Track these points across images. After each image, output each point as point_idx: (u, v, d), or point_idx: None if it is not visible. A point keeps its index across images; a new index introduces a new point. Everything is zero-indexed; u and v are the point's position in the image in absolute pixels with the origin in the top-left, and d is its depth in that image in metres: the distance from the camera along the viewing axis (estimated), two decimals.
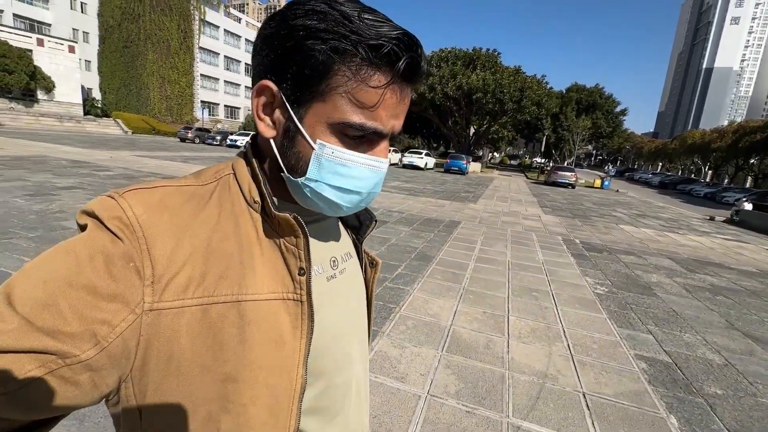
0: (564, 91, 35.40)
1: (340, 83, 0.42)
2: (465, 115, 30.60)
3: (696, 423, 2.28)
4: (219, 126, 42.22)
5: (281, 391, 0.44)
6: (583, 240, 7.56)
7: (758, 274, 6.33)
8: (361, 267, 0.64)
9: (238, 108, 51.82)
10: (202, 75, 45.10)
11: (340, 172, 0.45)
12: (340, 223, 0.62)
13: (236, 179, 0.48)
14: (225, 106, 50.52)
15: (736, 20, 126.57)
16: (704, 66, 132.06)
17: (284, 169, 0.47)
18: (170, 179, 0.46)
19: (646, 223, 11.06)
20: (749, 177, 39.80)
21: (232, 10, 51.48)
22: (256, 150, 0.50)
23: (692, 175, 51.20)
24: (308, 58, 0.41)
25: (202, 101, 44.15)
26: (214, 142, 29.48)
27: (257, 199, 0.46)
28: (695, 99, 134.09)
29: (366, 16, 0.41)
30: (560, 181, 23.00)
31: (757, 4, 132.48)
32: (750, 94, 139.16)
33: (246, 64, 52.59)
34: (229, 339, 0.41)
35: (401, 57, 0.41)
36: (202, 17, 42.29)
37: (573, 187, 23.31)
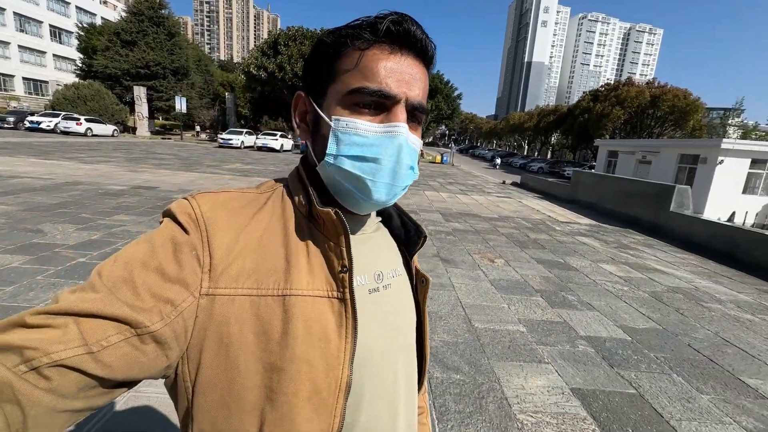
0: None
1: (344, 63, 0.48)
2: None
3: None
4: (15, 105, 33.10)
5: (325, 387, 0.45)
6: None
7: (490, 219, 8.55)
8: (412, 286, 0.63)
9: (45, 82, 41.27)
10: None
11: (356, 142, 0.47)
12: (392, 240, 0.63)
13: (288, 189, 0.54)
14: (24, 78, 39.60)
15: (544, 23, 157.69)
16: (526, 60, 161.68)
17: (317, 162, 0.52)
18: (237, 188, 0.54)
19: (448, 189, 13.49)
20: (548, 150, 51.17)
21: None
22: (307, 165, 0.56)
23: (515, 151, 63.14)
24: (321, 53, 0.50)
25: None
26: (4, 125, 23.20)
27: (304, 202, 0.51)
28: (521, 87, 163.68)
29: (390, 15, 0.48)
30: None
31: (558, 12, 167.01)
32: (557, 84, 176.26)
33: (51, 26, 41.85)
34: (274, 331, 0.44)
35: (384, 22, 0.47)
36: None
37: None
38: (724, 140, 17.00)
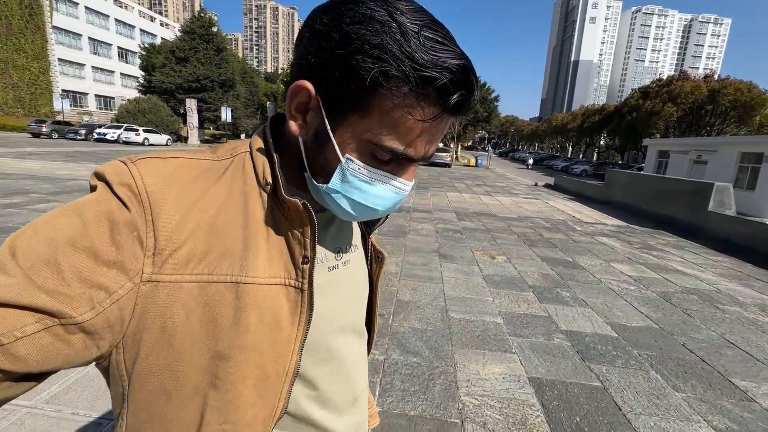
0: None
1: (382, 105, 0.39)
2: None
3: None
4: (87, 119, 37.16)
5: (272, 374, 0.44)
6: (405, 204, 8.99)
7: (507, 218, 8.33)
8: (367, 260, 0.62)
9: (112, 98, 45.97)
10: (60, 60, 39.01)
11: (362, 189, 0.44)
12: None
13: (251, 157, 0.47)
14: (96, 95, 44.42)
15: (593, 20, 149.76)
16: (572, 59, 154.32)
17: (307, 170, 0.47)
18: (187, 152, 0.46)
19: (473, 190, 13.25)
20: (594, 152, 48.35)
21: None
22: (277, 133, 0.49)
23: (557, 153, 60.30)
24: (354, 72, 0.38)
25: (63, 90, 38.22)
26: (77, 137, 26.05)
27: (269, 180, 0.45)
28: (567, 87, 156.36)
29: (426, 34, 0.38)
30: (437, 161, 25.47)
31: (608, 6, 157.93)
32: (607, 83, 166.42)
33: (119, 48, 46.69)
34: (224, 319, 0.41)
35: (452, 92, 0.38)
36: None
37: (449, 166, 26.00)
38: None
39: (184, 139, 33.53)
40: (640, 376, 2.60)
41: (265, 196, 0.45)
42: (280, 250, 0.45)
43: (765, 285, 4.89)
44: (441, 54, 0.37)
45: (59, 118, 30.32)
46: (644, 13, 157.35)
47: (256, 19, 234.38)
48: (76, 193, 7.36)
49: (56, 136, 25.84)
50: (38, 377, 0.37)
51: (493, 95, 39.72)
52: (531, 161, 37.63)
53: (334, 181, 0.44)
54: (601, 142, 46.37)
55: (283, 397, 0.46)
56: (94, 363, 0.41)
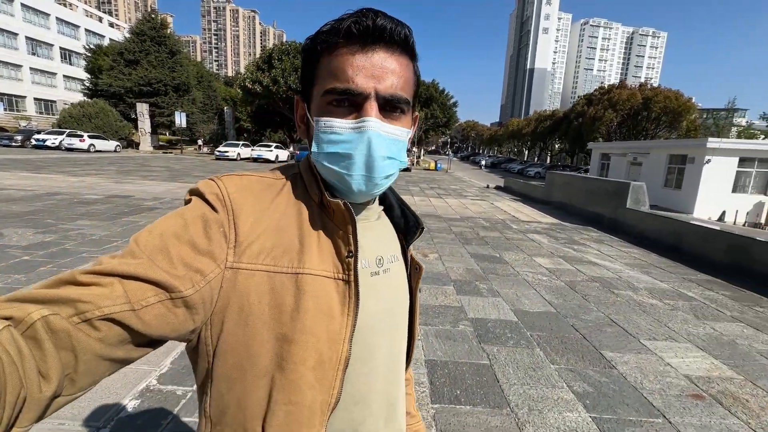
0: None
1: (321, 66, 0.52)
2: None
3: None
4: (24, 124, 34.45)
5: (327, 359, 0.50)
6: None
7: (449, 219, 8.77)
8: (407, 271, 0.67)
9: (54, 102, 42.91)
10: None
11: (332, 140, 0.52)
12: (392, 228, 0.67)
13: (301, 176, 0.58)
14: (35, 99, 41.20)
15: (546, 30, 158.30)
16: (528, 66, 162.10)
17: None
18: (256, 171, 0.58)
19: (425, 193, 13.77)
20: (548, 155, 51.13)
21: None
22: None
23: (514, 156, 63.15)
24: (304, 60, 0.55)
25: None
26: (12, 143, 24.16)
27: (317, 191, 0.56)
28: (524, 93, 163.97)
29: (354, 14, 0.50)
30: None
31: (559, 18, 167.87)
32: (561, 90, 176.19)
33: (61, 48, 43.71)
34: (287, 304, 0.49)
35: (348, 20, 0.49)
36: None
37: (408, 170, 26.58)
38: (710, 139, 16.98)
39: (136, 145, 31.95)
40: (525, 353, 2.94)
41: (314, 204, 0.56)
42: (329, 248, 0.53)
43: (661, 272, 5.53)
44: (346, 14, 0.51)
45: None
46: (591, 25, 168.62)
47: (215, 21, 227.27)
48: (2, 202, 6.95)
49: None
50: (153, 344, 0.45)
51: (452, 101, 41.02)
52: (484, 162, 41.46)
53: (314, 146, 0.54)
54: (556, 146, 49.16)
55: (337, 384, 0.52)
56: (185, 345, 0.52)
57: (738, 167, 17.20)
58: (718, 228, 6.22)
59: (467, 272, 4.82)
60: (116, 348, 0.41)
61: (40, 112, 41.61)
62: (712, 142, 16.71)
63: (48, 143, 23.88)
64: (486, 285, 4.40)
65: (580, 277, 4.99)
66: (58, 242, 4.86)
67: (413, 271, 0.68)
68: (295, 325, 0.48)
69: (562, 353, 2.97)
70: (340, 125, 0.51)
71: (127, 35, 34.25)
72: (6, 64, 37.84)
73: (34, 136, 24.50)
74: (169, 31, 35.12)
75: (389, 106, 0.52)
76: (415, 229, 0.67)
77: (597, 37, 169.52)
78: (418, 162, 35.82)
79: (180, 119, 29.94)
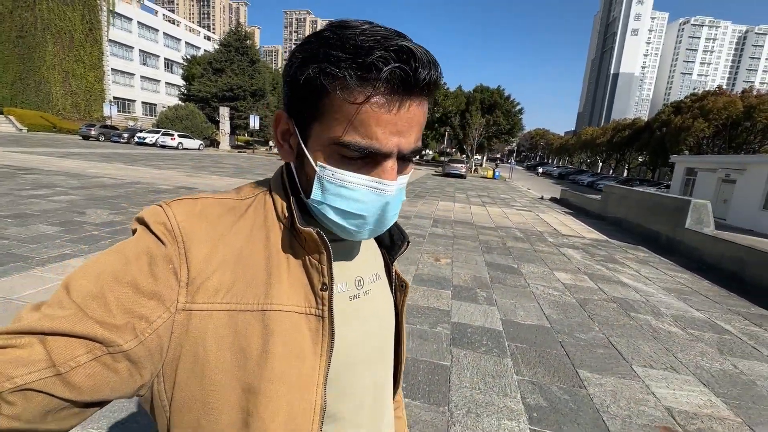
0: (471, 92, 38.91)
1: (332, 104, 0.42)
2: None
3: None
4: (132, 124, 40.40)
5: (300, 412, 0.45)
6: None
7: (483, 227, 8.54)
8: (391, 289, 0.62)
9: (156, 105, 49.72)
10: (114, 70, 42.84)
11: (342, 194, 0.45)
12: (374, 244, 0.62)
13: (271, 196, 0.51)
14: (143, 102, 48.26)
15: (635, 32, 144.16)
16: (612, 71, 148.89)
17: (302, 191, 0.50)
18: (215, 193, 0.51)
19: (469, 201, 13.47)
20: (625, 167, 46.43)
21: (147, 2, 49.12)
22: (290, 171, 0.52)
23: (586, 167, 58.33)
24: (304, 83, 0.43)
25: (114, 97, 41.96)
26: (121, 140, 28.57)
27: (287, 214, 0.49)
28: (605, 100, 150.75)
29: (364, 37, 0.40)
30: (452, 172, 25.69)
31: (653, 18, 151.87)
32: (651, 96, 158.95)
33: (165, 59, 50.62)
34: (252, 348, 0.42)
35: (383, 67, 0.40)
36: (111, 8, 40.17)
37: (464, 177, 26.10)
38: None
39: (217, 144, 35.71)
40: (492, 360, 2.91)
41: (285, 229, 0.49)
42: (300, 279, 0.47)
43: (704, 300, 4.91)
44: (377, 45, 0.40)
45: (108, 122, 33.36)
46: (693, 24, 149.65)
47: (296, 31, 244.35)
48: (93, 188, 8.38)
49: (103, 138, 28.49)
50: (91, 405, 0.39)
51: (518, 108, 39.40)
52: (541, 170, 41.47)
53: (315, 192, 0.47)
54: (639, 158, 44.56)
55: None
56: (137, 398, 0.45)
57: None
58: None
59: (473, 279, 4.77)
60: (39, 422, 0.36)
61: (146, 114, 48.47)
62: None
63: (147, 140, 27.96)
64: (486, 293, 4.33)
65: (598, 296, 4.65)
66: (123, 222, 5.79)
67: (398, 289, 0.64)
68: (262, 372, 0.43)
69: (533, 366, 2.88)
70: (356, 181, 0.45)
71: (216, 47, 38.48)
72: (123, 73, 44.84)
73: (137, 134, 28.80)
74: (250, 42, 38.71)
75: (404, 159, 0.47)
76: (400, 244, 0.62)
77: (699, 38, 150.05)
78: (476, 169, 34.94)
79: (254, 122, 32.83)
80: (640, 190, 11.17)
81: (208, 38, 61.73)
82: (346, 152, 0.43)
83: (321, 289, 0.47)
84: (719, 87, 29.93)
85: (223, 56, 37.18)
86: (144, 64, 47.97)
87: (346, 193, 0.45)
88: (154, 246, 0.42)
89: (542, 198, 17.00)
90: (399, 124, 0.43)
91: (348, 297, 0.53)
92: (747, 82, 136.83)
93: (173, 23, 53.82)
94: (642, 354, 3.25)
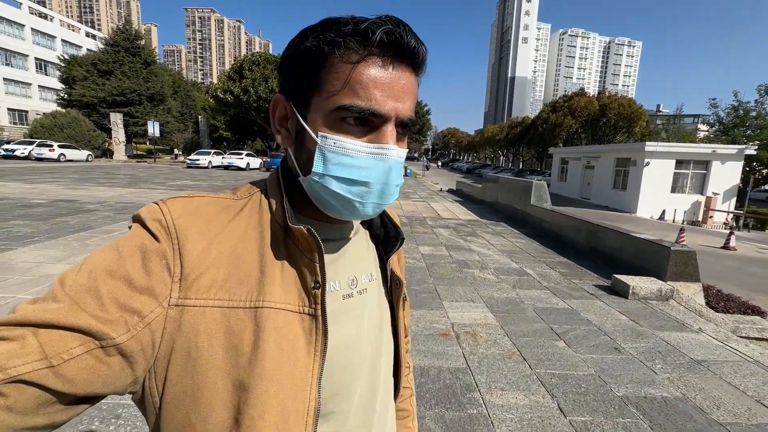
0: None
1: (330, 71, 0.44)
2: None
3: None
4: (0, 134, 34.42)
5: (292, 411, 0.44)
6: None
7: None
8: (386, 288, 0.62)
9: (27, 112, 42.83)
10: None
11: (344, 163, 0.45)
12: (369, 242, 0.62)
13: (267, 196, 0.51)
14: (8, 109, 41.09)
15: (525, 40, 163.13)
16: (509, 75, 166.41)
17: (300, 173, 0.49)
18: (211, 192, 0.51)
19: None
20: (520, 160, 52.79)
21: None
22: (285, 169, 0.53)
23: (489, 162, 64.94)
24: (303, 56, 0.45)
25: None
26: None
27: (281, 213, 0.49)
28: (506, 101, 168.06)
29: (357, 17, 0.44)
30: None
31: (539, 28, 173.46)
32: (542, 97, 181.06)
33: (36, 59, 43.79)
34: (244, 344, 0.42)
35: (376, 31, 0.43)
36: None
37: None
38: (648, 143, 18.23)
39: (110, 155, 32.19)
40: None
41: (279, 228, 0.49)
42: (293, 277, 0.48)
43: (526, 256, 6.37)
44: (362, 17, 0.45)
45: None
46: (570, 35, 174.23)
47: (199, 31, 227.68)
48: None
49: None
50: (83, 401, 0.39)
51: (425, 108, 42.33)
52: (436, 164, 44.95)
53: (317, 165, 0.46)
54: (532, 152, 50.86)
55: None
56: (130, 396, 0.44)
57: (675, 169, 18.43)
58: (580, 218, 7.13)
59: None
60: (32, 414, 0.36)
61: (14, 123, 41.43)
62: (650, 146, 17.95)
63: (17, 153, 24.13)
64: None
65: (445, 260, 5.78)
66: None
67: (394, 287, 0.63)
68: (253, 369, 0.42)
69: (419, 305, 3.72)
70: (357, 148, 0.46)
71: (101, 46, 34.66)
72: None
73: (2, 146, 24.72)
74: (143, 42, 35.62)
75: (401, 129, 0.48)
76: (395, 241, 0.62)
77: (575, 47, 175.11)
78: None
79: (153, 128, 30.37)
80: (505, 176, 13.23)
81: (93, 36, 54.84)
82: (346, 115, 0.45)
83: (313, 288, 0.47)
84: (581, 89, 35.90)
85: (111, 57, 33.62)
86: (7, 64, 40.97)
87: (348, 161, 0.46)
88: (148, 241, 0.43)
89: (441, 190, 18.87)
90: (395, 89, 0.45)
91: (341, 296, 0.53)
92: (613, 84, 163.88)
93: (45, 18, 46.82)
94: (455, 294, 4.32)
